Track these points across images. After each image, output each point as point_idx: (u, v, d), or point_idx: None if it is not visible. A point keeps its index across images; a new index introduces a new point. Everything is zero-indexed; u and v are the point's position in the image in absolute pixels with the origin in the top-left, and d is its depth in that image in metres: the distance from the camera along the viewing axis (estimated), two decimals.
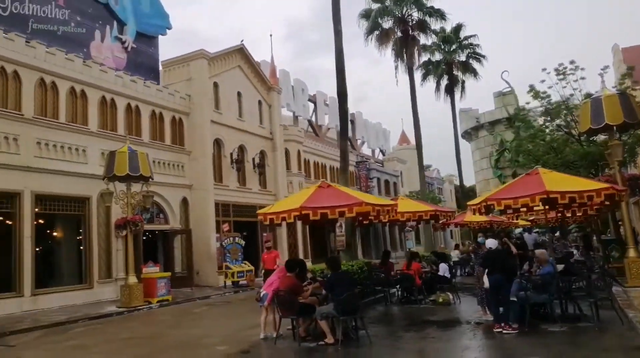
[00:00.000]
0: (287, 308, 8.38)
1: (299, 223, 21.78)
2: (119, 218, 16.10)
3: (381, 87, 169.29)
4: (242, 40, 25.47)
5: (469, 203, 10.91)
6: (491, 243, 9.27)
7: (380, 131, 46.10)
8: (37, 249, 15.43)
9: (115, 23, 19.95)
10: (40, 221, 15.85)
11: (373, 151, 45.02)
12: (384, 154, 46.90)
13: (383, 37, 25.81)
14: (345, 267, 11.12)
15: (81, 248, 17.16)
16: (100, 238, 17.25)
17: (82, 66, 17.41)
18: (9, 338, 10.78)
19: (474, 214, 12.23)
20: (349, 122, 39.69)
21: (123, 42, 20.19)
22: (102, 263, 17.20)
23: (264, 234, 24.10)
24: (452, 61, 33.43)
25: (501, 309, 8.60)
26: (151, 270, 16.32)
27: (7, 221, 15.00)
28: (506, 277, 8.60)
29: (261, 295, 8.74)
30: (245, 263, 20.46)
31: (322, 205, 8.27)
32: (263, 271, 14.05)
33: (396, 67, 28.30)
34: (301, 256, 25.30)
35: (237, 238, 20.69)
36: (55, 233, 17.47)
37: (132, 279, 15.16)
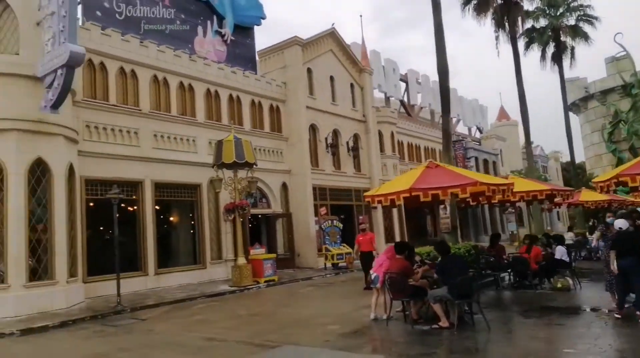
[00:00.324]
0: (398, 290, 8.35)
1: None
2: (228, 202, 17.07)
3: (470, 63, 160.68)
4: (332, 24, 25.53)
5: (594, 179, 9.98)
6: (621, 223, 8.43)
7: (476, 107, 43.90)
8: (157, 232, 16.94)
9: (215, 18, 20.95)
10: (158, 207, 17.32)
11: (469, 129, 43.08)
12: (481, 132, 44.70)
13: (482, 6, 24.22)
14: (452, 250, 10.79)
15: (194, 231, 18.53)
16: (211, 222, 18.47)
17: (189, 61, 18.57)
18: (139, 312, 12.01)
19: (600, 192, 11.13)
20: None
21: (223, 36, 21.17)
22: (214, 245, 18.43)
23: (360, 217, 24.24)
24: (559, 26, 30.57)
25: (632, 295, 7.87)
26: (258, 252, 17.17)
27: (132, 208, 16.59)
28: (639, 261, 7.81)
29: (372, 277, 8.79)
30: (344, 246, 20.77)
31: (433, 186, 8.05)
32: (359, 253, 14.03)
33: (497, 38, 26.49)
34: (397, 239, 25.12)
35: (335, 221, 21.03)
36: (171, 218, 19.02)
37: (242, 260, 16.07)
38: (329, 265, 20.10)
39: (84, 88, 15.17)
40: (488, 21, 25.92)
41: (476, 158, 37.42)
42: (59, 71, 11.63)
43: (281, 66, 22.98)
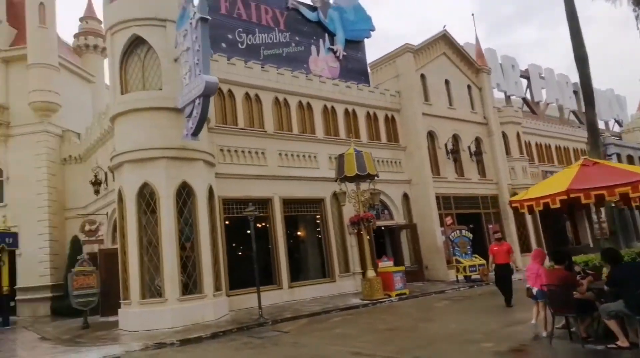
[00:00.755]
0: (561, 305, 7.48)
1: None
2: (353, 215, 17.09)
3: (594, 52, 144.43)
4: (444, 26, 24.65)
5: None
6: None
7: (613, 98, 39.19)
8: (287, 247, 17.51)
9: (326, 36, 21.48)
10: (286, 222, 17.92)
11: (606, 123, 38.55)
12: (620, 125, 39.77)
13: None
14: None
15: (320, 245, 18.85)
16: (337, 236, 18.65)
17: (306, 81, 19.19)
18: (280, 325, 12.38)
19: None
20: (573, 93, 34.90)
21: (335, 52, 21.58)
22: (341, 259, 18.56)
23: (490, 226, 22.77)
24: None
25: None
26: (386, 264, 16.89)
27: (263, 224, 17.39)
28: None
29: (533, 292, 8.03)
30: (475, 257, 19.59)
31: (596, 185, 7.11)
32: (493, 265, 12.53)
33: (637, 17, 23.39)
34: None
35: (464, 231, 19.98)
36: (298, 233, 19.59)
37: (371, 273, 15.91)
38: (460, 277, 19.07)
39: (216, 115, 16.36)
40: (625, 1, 23.01)
41: (618, 154, 33.23)
42: (197, 101, 12.68)
43: (393, 75, 22.73)
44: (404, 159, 21.88)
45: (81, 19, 31.77)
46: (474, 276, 18.89)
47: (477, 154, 24.28)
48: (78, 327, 14.51)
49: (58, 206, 22.78)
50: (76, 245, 20.82)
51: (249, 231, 17.42)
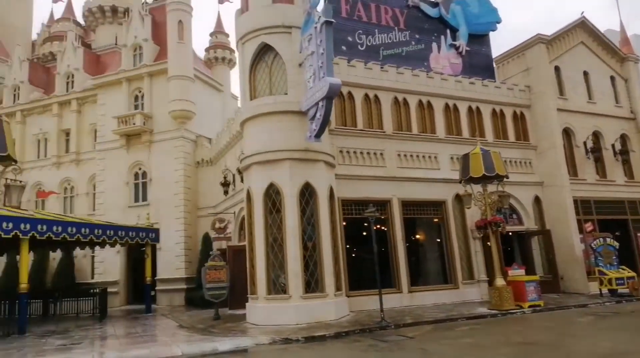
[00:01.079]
0: None
1: None
2: (479, 219, 16.09)
3: None
4: (582, 13, 22.21)
5: None
6: None
7: None
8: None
9: (448, 32, 20.60)
10: (405, 225, 17.44)
11: None
12: None
13: None
14: None
15: (441, 249, 18.05)
16: (459, 240, 17.72)
17: (426, 79, 18.58)
18: (403, 329, 12.01)
19: None
20: None
21: (457, 48, 20.60)
22: (464, 265, 17.58)
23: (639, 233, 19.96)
24: None
25: None
26: (517, 273, 15.59)
27: (382, 226, 17.13)
28: None
29: None
30: (623, 269, 17.25)
31: None
32: None
33: None
34: None
35: (608, 239, 17.70)
36: (417, 236, 18.98)
37: (500, 281, 14.80)
38: (604, 290, 16.91)
39: (335, 117, 16.53)
40: None
41: None
42: (320, 103, 12.87)
43: (523, 68, 21.05)
44: (534, 160, 20.10)
45: (211, 34, 34.58)
46: (622, 290, 16.62)
47: (623, 153, 21.44)
48: (210, 318, 15.58)
49: (192, 205, 24.92)
50: (207, 241, 22.58)
51: (365, 233, 17.51)
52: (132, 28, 26.73)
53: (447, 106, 18.94)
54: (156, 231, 20.46)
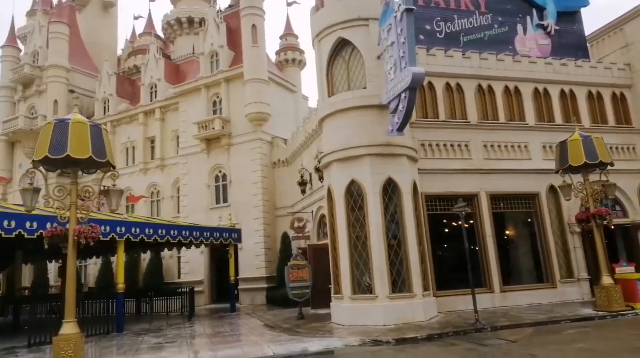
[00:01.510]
0: None
1: None
2: (579, 211, 14.71)
3: None
4: None
5: None
6: None
7: None
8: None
9: (534, 11, 19.13)
10: (493, 220, 16.37)
11: None
12: None
13: None
14: None
15: (534, 245, 16.76)
16: (555, 235, 16.40)
17: (513, 63, 17.36)
18: (501, 332, 11.21)
19: None
20: None
21: (545, 28, 19.07)
22: (561, 262, 16.23)
23: None
24: None
25: None
26: (625, 270, 14.10)
27: (468, 222, 16.17)
28: None
29: None
30: None
31: None
32: None
33: None
34: None
35: None
36: (507, 231, 17.78)
37: (607, 280, 13.42)
38: None
39: (416, 109, 15.82)
40: None
41: None
42: (402, 95, 12.34)
43: (621, 45, 19.13)
44: (639, 144, 18.13)
45: (281, 37, 34.99)
46: None
47: None
48: (293, 317, 15.55)
49: (270, 205, 25.27)
50: (286, 240, 22.75)
51: (446, 230, 16.67)
52: (209, 36, 27.63)
53: (536, 90, 17.57)
54: (238, 231, 20.89)
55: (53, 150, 8.94)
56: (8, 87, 34.71)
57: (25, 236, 12.22)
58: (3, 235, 11.88)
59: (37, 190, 9.40)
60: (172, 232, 16.96)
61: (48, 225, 10.10)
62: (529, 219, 17.02)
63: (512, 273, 16.85)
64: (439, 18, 17.61)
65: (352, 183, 13.71)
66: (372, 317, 12.66)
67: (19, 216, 12.10)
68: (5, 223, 11.86)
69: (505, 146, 16.67)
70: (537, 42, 18.83)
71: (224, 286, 23.59)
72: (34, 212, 10.95)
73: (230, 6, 30.14)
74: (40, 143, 9.19)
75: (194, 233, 18.10)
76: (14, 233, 12.03)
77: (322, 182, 18.14)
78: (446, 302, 14.54)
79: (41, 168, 9.51)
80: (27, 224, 12.17)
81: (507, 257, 17.33)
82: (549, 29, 19.04)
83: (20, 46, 37.32)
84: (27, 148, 32.23)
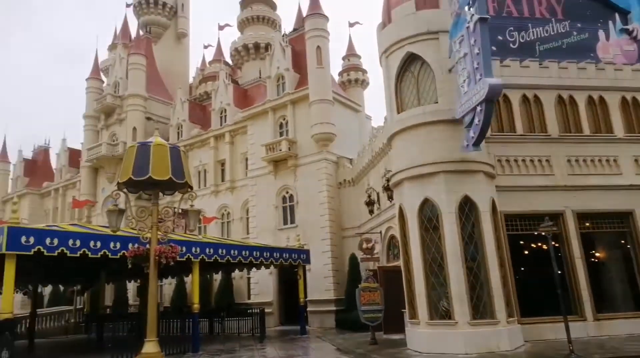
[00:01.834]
0: None
1: None
2: None
3: None
4: None
5: None
6: None
7: None
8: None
9: (616, 16, 17.73)
10: (582, 240, 15.08)
11: None
12: None
13: None
14: None
15: (630, 269, 15.20)
16: None
17: (595, 72, 16.24)
18: None
19: None
20: None
21: (630, 33, 17.58)
22: None
23: None
24: None
25: None
26: None
27: (553, 242, 14.99)
28: None
29: None
30: None
31: None
32: None
33: None
34: None
35: None
36: (597, 253, 16.30)
37: None
38: None
39: (491, 123, 15.08)
40: None
41: None
42: (478, 108, 11.78)
43: None
44: None
45: (343, 57, 35.31)
46: None
47: None
48: (366, 342, 15.04)
49: (337, 226, 25.05)
50: (354, 262, 22.34)
51: (526, 252, 15.51)
52: (274, 60, 28.37)
53: (624, 100, 16.23)
54: (307, 253, 20.81)
55: (136, 172, 9.30)
56: (92, 116, 37.52)
57: (110, 256, 12.81)
58: (90, 255, 12.52)
59: (121, 211, 9.78)
60: (243, 253, 17.17)
61: (130, 246, 10.47)
62: (622, 240, 15.53)
63: (604, 299, 15.34)
64: (512, 28, 16.76)
65: (426, 201, 13.17)
66: (451, 345, 11.92)
67: (104, 237, 12.72)
68: (92, 243, 12.49)
69: (592, 161, 15.40)
70: (622, 49, 17.39)
71: (292, 308, 23.50)
72: (116, 233, 11.43)
73: (294, 29, 30.88)
74: (124, 166, 9.60)
75: (264, 253, 18.23)
76: (99, 253, 12.65)
77: (391, 201, 17.70)
78: (532, 330, 13.43)
79: (125, 189, 9.92)
80: (112, 244, 12.75)
81: (598, 282, 15.82)
82: (634, 34, 17.54)
83: (103, 78, 40.37)
84: (109, 173, 34.46)
